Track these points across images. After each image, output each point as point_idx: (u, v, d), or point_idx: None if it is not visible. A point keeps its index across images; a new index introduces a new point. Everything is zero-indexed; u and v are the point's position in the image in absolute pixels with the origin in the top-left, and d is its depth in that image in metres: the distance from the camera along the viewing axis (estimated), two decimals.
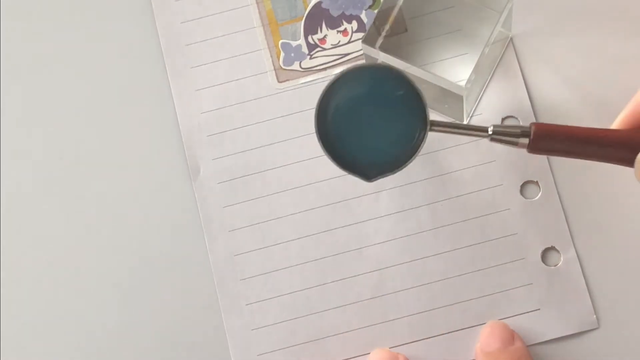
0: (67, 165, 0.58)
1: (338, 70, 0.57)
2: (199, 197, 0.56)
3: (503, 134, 0.48)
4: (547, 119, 0.56)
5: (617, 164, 0.48)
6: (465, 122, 0.56)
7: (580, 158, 0.48)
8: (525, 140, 0.48)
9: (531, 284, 0.54)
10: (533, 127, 0.48)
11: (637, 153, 0.46)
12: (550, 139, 0.48)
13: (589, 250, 0.54)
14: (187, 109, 0.58)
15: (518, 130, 0.48)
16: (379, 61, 0.54)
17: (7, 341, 0.56)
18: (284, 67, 0.58)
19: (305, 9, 0.58)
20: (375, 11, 0.58)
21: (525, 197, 0.55)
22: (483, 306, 0.54)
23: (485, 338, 0.53)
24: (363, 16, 0.58)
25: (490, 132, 0.48)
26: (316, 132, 0.48)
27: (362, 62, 0.46)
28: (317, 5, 0.58)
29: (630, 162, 0.47)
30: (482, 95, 0.56)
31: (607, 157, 0.48)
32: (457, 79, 0.53)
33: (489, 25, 0.54)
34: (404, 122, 0.48)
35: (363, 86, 0.48)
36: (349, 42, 0.58)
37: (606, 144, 0.47)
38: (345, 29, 0.58)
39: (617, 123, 0.48)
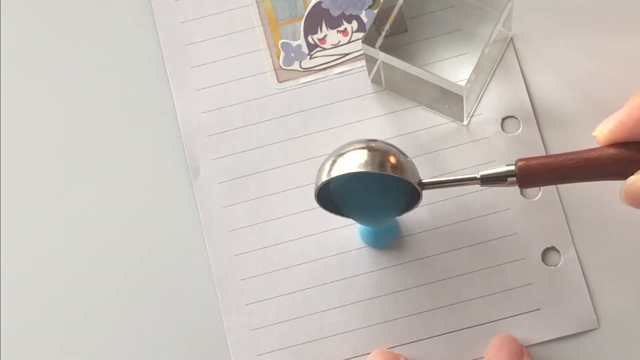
0: (67, 166, 0.58)
1: (338, 70, 0.57)
2: (199, 197, 0.56)
3: (491, 180, 0.50)
4: (547, 119, 0.56)
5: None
6: (466, 121, 0.56)
7: (574, 182, 0.49)
8: (514, 180, 0.49)
9: (531, 284, 0.54)
10: (517, 168, 0.49)
11: (625, 174, 0.46)
12: (537, 175, 0.49)
13: (589, 250, 0.54)
14: (187, 109, 0.58)
15: (504, 174, 0.49)
16: (379, 61, 0.54)
17: (7, 341, 0.56)
18: (284, 67, 0.58)
19: (305, 9, 0.58)
20: (375, 11, 0.58)
21: (525, 197, 0.55)
22: (483, 306, 0.54)
23: (494, 352, 0.52)
24: (363, 16, 0.58)
25: (479, 178, 0.50)
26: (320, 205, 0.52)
27: (349, 167, 0.50)
28: (317, 5, 0.58)
29: (623, 177, 0.47)
30: (482, 95, 0.56)
31: (599, 179, 0.48)
32: (457, 79, 0.53)
33: (489, 25, 0.54)
34: (399, 190, 0.52)
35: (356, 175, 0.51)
36: (349, 42, 0.58)
37: (595, 169, 0.48)
38: (345, 29, 0.58)
39: (605, 134, 0.48)
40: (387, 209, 0.52)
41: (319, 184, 0.50)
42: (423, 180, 0.51)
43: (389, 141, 0.52)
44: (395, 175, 0.49)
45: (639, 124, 0.46)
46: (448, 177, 0.51)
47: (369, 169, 0.49)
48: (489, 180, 0.50)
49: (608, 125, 0.47)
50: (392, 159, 0.50)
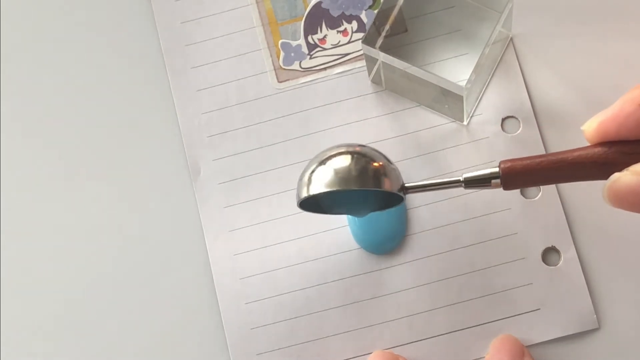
0: (67, 166, 0.58)
1: (338, 70, 0.57)
2: (199, 197, 0.56)
3: (475, 182, 0.49)
4: (547, 119, 0.56)
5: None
6: (466, 121, 0.56)
7: (559, 183, 0.48)
8: (498, 182, 0.48)
9: (531, 284, 0.54)
10: (501, 171, 0.48)
11: (608, 174, 0.45)
12: (520, 177, 0.48)
13: (589, 250, 0.54)
14: (187, 109, 0.58)
15: (488, 176, 0.48)
16: (379, 62, 0.54)
17: (7, 341, 0.56)
18: (284, 67, 0.58)
19: (305, 9, 0.58)
20: (375, 11, 0.58)
21: (525, 197, 0.55)
22: (483, 306, 0.54)
23: (495, 352, 0.52)
24: (363, 16, 0.58)
25: (462, 181, 0.49)
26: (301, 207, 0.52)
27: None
28: (317, 5, 0.58)
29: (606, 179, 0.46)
30: (482, 95, 0.56)
31: (584, 180, 0.47)
32: (457, 79, 0.53)
33: (489, 25, 0.54)
34: (382, 192, 0.51)
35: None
36: (349, 42, 0.58)
37: (578, 171, 0.47)
38: (345, 29, 0.58)
39: (594, 128, 0.46)
40: (369, 206, 0.53)
41: (300, 198, 0.50)
42: (406, 185, 0.50)
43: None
44: (375, 189, 0.49)
45: (630, 119, 0.45)
46: (431, 181, 0.50)
47: (349, 185, 0.49)
48: (472, 182, 0.49)
49: (597, 119, 0.46)
50: (373, 167, 0.50)
